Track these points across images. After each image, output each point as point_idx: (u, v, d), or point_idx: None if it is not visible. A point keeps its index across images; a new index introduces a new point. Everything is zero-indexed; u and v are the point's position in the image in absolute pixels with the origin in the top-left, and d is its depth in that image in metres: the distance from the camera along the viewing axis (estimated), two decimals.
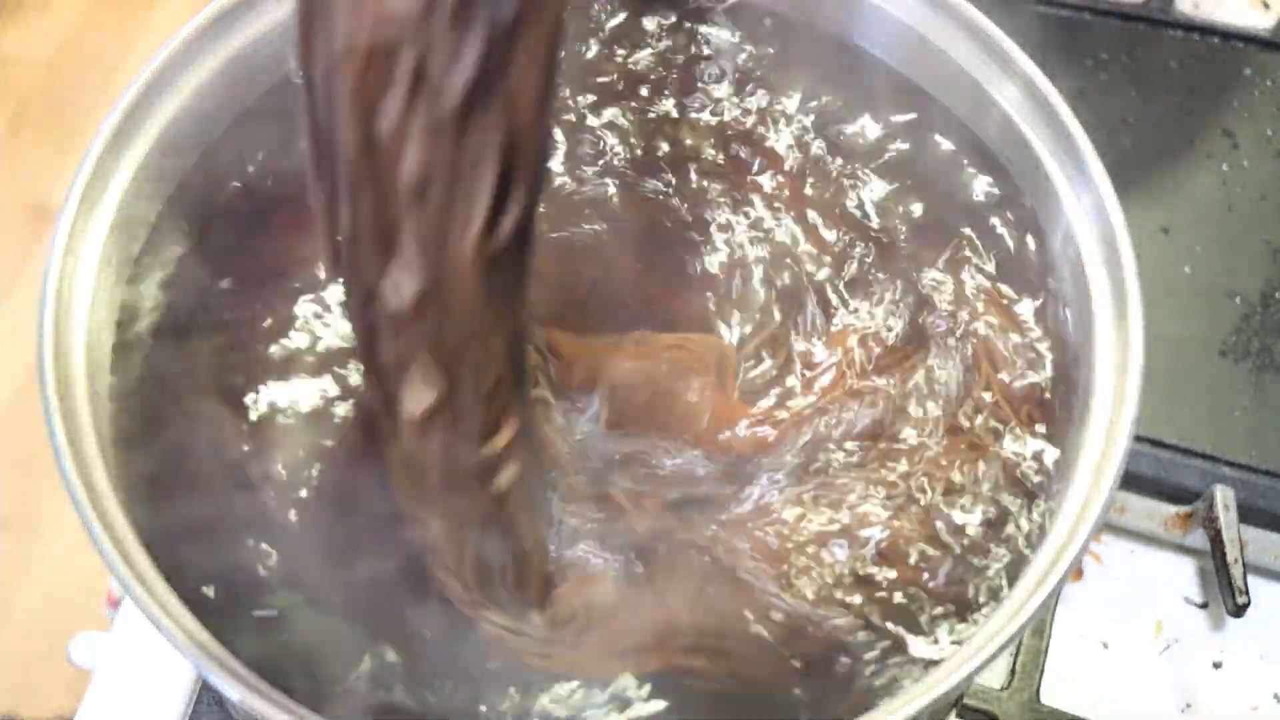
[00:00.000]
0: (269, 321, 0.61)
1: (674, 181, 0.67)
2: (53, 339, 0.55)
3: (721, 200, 0.66)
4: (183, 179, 0.64)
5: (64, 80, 2.01)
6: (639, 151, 0.68)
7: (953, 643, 0.55)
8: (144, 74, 0.62)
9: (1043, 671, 0.73)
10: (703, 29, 0.72)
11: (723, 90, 0.70)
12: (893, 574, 0.56)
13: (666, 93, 0.70)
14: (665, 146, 0.68)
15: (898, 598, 0.56)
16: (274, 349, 0.61)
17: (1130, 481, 0.78)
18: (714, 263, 0.64)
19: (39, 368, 0.54)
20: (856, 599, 0.56)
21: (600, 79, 0.70)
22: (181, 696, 0.72)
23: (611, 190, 0.66)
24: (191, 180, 0.65)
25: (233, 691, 0.48)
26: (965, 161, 0.67)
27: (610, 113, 0.69)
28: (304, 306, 0.62)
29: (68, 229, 0.58)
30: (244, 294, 0.62)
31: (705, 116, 0.69)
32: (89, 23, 2.06)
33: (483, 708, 0.53)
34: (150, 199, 0.63)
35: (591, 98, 0.69)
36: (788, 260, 0.65)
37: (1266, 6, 1.00)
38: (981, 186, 0.66)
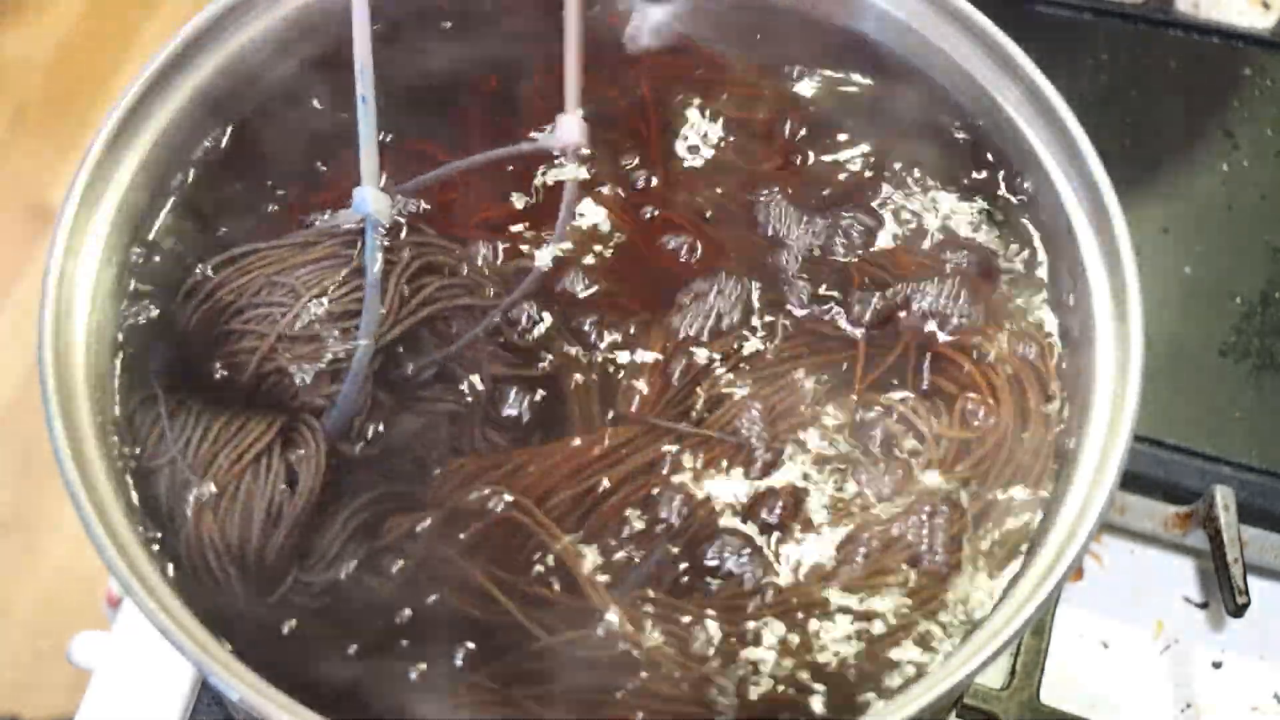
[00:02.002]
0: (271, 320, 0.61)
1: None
2: (53, 339, 0.55)
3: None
4: (182, 179, 0.64)
5: (64, 81, 2.01)
6: None
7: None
8: (143, 75, 0.62)
9: (1043, 671, 0.73)
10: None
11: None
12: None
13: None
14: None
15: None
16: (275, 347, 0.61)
17: (1130, 481, 0.78)
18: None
19: (39, 368, 0.54)
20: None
21: None
22: (181, 696, 0.72)
23: None
24: (191, 180, 0.65)
25: (233, 691, 0.48)
26: (965, 161, 0.67)
27: None
28: (306, 310, 0.62)
29: (68, 229, 0.58)
30: (245, 292, 0.62)
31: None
32: (89, 23, 2.06)
33: None
34: (150, 199, 0.63)
35: None
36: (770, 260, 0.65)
37: (1266, 6, 1.00)
38: (981, 186, 0.66)
